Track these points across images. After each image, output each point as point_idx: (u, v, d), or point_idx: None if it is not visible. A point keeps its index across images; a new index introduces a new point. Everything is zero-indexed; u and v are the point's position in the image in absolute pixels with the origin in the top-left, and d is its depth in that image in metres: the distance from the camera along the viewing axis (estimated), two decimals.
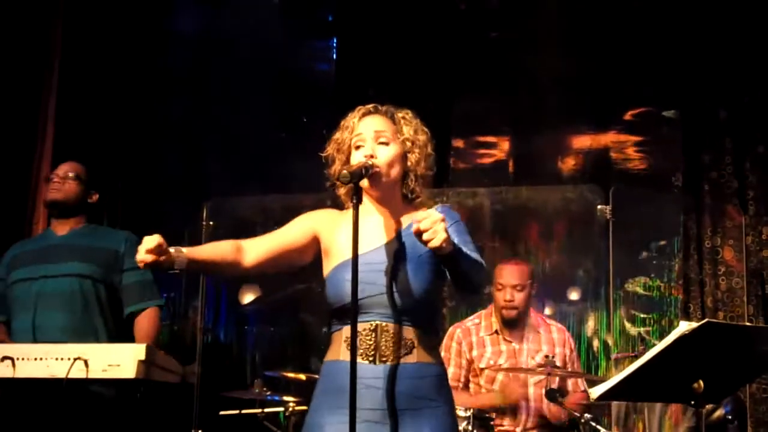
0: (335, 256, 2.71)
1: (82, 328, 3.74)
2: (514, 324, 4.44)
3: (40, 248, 3.92)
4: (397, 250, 2.65)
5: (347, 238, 2.56)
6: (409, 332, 2.60)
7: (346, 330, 2.62)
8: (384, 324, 2.59)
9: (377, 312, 2.60)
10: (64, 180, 3.93)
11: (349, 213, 2.56)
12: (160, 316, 3.94)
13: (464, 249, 2.54)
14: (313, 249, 2.78)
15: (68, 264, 3.81)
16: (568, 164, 6.12)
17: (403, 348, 2.59)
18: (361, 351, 2.57)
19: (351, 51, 6.34)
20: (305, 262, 2.82)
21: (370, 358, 2.58)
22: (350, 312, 2.55)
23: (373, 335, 2.59)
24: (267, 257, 2.75)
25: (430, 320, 2.68)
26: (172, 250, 2.55)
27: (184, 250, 2.59)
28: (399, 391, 2.57)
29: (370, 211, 2.73)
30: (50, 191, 3.94)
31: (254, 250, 2.73)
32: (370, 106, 2.78)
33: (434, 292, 2.66)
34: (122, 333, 3.84)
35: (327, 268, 2.73)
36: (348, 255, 2.57)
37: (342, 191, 2.78)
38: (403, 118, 2.77)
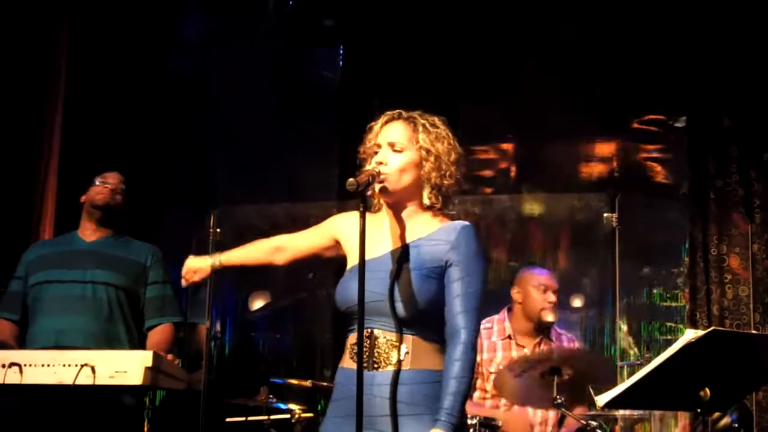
0: (350, 260, 2.74)
1: (105, 334, 3.76)
2: (546, 326, 4.38)
3: (66, 252, 3.92)
4: (402, 259, 2.64)
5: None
6: (405, 340, 2.57)
7: (351, 337, 2.64)
8: (379, 331, 2.59)
9: (374, 319, 2.59)
10: (114, 189, 3.95)
11: (371, 216, 2.60)
12: (175, 333, 3.96)
13: (454, 398, 2.50)
14: (338, 249, 2.87)
15: (96, 271, 3.83)
16: (575, 172, 6.13)
17: (398, 355, 2.57)
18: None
19: (356, 59, 6.35)
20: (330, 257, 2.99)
21: (365, 365, 2.56)
22: (351, 318, 2.61)
23: (369, 342, 2.59)
24: (299, 257, 2.96)
25: (431, 328, 2.62)
26: (209, 261, 2.95)
27: (222, 258, 2.96)
28: (395, 399, 2.55)
29: (383, 217, 2.74)
30: (101, 195, 3.93)
31: (290, 250, 2.95)
32: (394, 112, 2.76)
33: (436, 302, 2.62)
34: (144, 344, 3.88)
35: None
36: (357, 260, 2.58)
37: (368, 193, 2.72)
38: (423, 125, 2.72)
